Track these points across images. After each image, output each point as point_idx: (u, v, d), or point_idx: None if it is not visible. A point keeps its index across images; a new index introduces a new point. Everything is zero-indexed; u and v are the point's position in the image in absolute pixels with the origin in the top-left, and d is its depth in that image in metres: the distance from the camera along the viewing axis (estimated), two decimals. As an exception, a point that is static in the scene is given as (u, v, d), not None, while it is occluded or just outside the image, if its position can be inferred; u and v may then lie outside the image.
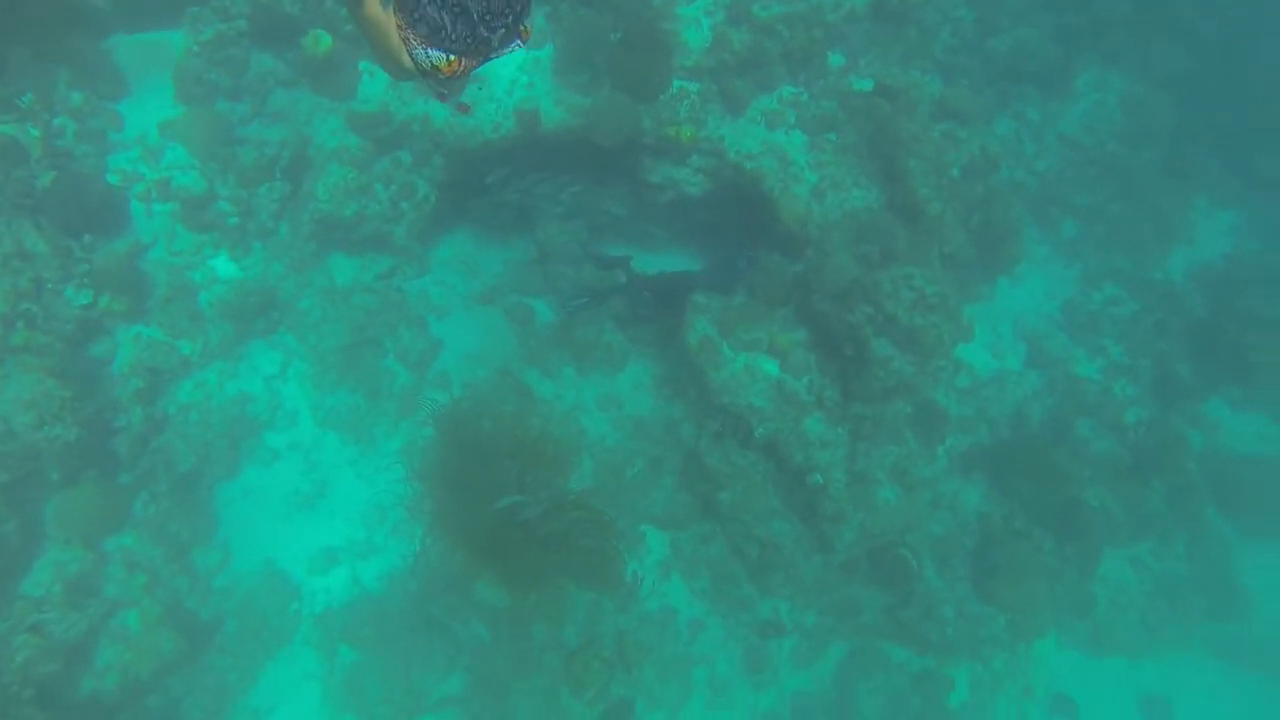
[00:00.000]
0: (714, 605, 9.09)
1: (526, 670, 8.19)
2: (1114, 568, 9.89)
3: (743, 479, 8.71)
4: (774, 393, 8.62)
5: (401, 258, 9.40)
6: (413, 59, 3.04)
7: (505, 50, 3.17)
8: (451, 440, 8.19)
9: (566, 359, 9.80)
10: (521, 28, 3.15)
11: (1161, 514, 10.19)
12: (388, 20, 2.98)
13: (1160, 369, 10.72)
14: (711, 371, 8.73)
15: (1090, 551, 9.23)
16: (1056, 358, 10.14)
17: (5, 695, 7.00)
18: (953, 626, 8.92)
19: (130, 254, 8.32)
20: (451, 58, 3.00)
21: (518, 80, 8.96)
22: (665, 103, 9.05)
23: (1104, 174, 11.07)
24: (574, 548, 7.56)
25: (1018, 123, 11.07)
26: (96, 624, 7.51)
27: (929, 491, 8.78)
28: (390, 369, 9.08)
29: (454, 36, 2.98)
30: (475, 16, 2.92)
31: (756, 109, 9.27)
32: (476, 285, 9.80)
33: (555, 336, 9.79)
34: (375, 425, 8.91)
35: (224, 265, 8.76)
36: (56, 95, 8.23)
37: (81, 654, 7.45)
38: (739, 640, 9.05)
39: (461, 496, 7.72)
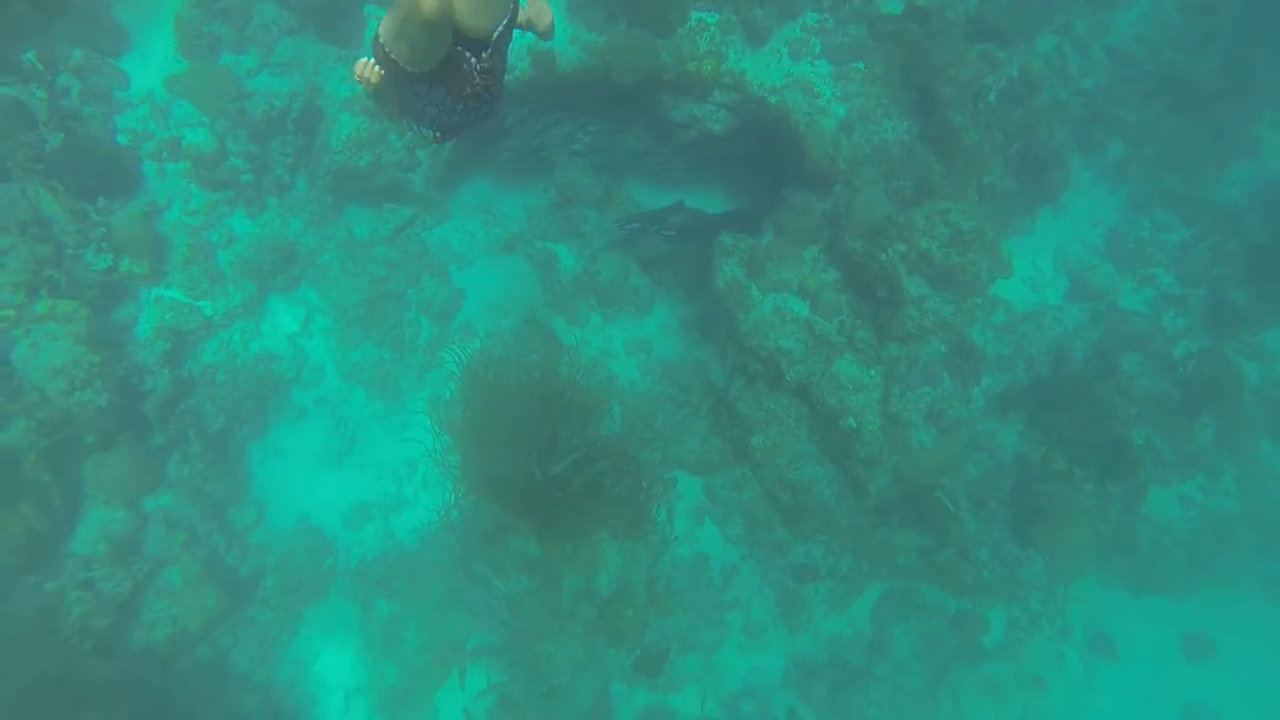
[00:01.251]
0: (748, 550, 9.07)
1: (561, 620, 8.26)
2: (1159, 505, 9.61)
3: (775, 423, 8.56)
4: (805, 334, 8.38)
5: (420, 207, 9.22)
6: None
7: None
8: (478, 392, 8.13)
9: (592, 304, 9.63)
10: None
11: (1211, 449, 9.84)
12: (388, 92, 3.59)
13: (1214, 297, 10.21)
14: (741, 314, 8.51)
15: (1135, 490, 8.96)
16: (1101, 290, 9.68)
17: (67, 649, 7.25)
18: (989, 569, 8.80)
19: (147, 216, 8.23)
20: (436, 134, 3.81)
21: (530, 20, 8.56)
22: (684, 37, 8.63)
23: (1159, 87, 10.35)
24: (606, 496, 7.51)
25: (1061, 36, 10.36)
26: (142, 581, 7.69)
27: (965, 433, 8.53)
28: (414, 321, 9.00)
29: (439, 124, 3.72)
30: (457, 111, 3.59)
31: (780, 39, 8.78)
32: (498, 232, 9.60)
33: (580, 281, 9.60)
34: (401, 379, 8.87)
35: (241, 223, 8.66)
36: (58, 52, 8.05)
37: (131, 609, 7.66)
38: (773, 585, 9.04)
39: (490, 448, 7.67)
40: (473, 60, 3.57)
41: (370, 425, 8.72)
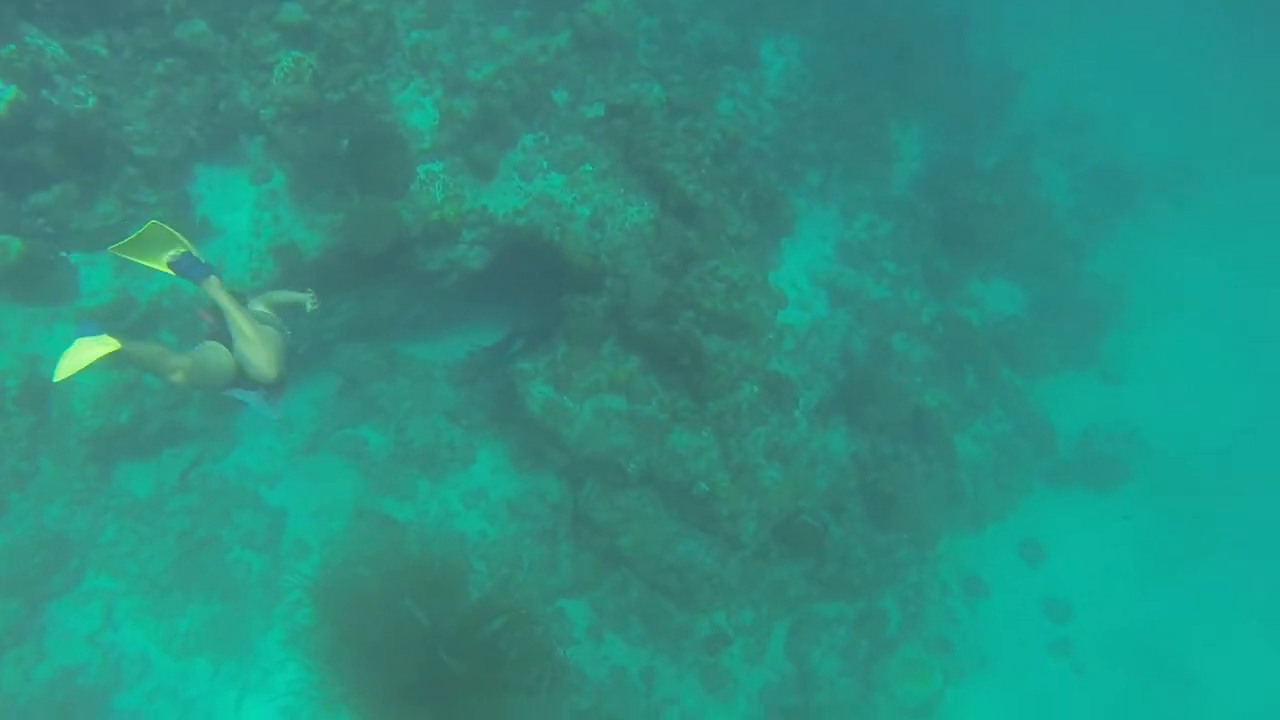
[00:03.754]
0: (656, 645, 9.01)
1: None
2: (963, 449, 10.91)
3: (635, 518, 8.69)
4: (631, 425, 8.66)
5: (203, 439, 8.43)
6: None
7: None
8: (335, 606, 7.50)
9: (415, 474, 9.27)
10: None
11: (977, 390, 11.43)
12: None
13: (926, 269, 11.98)
14: (564, 430, 8.63)
15: (945, 446, 10.12)
16: (852, 290, 11.02)
17: None
18: (868, 564, 9.44)
19: None
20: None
21: (260, 219, 8.36)
22: (419, 191, 8.81)
23: (819, 121, 12.14)
24: (506, 659, 7.16)
25: (734, 100, 11.86)
26: None
27: (803, 455, 9.19)
28: (240, 560, 8.12)
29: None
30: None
31: (508, 166, 9.24)
32: (295, 438, 9.00)
33: (395, 455, 9.23)
34: (245, 628, 7.92)
35: (-22, 536, 7.39)
36: None
37: None
38: (692, 667, 9.02)
39: (370, 658, 7.07)
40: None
41: (225, 694, 7.65)
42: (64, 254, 8.03)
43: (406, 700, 6.89)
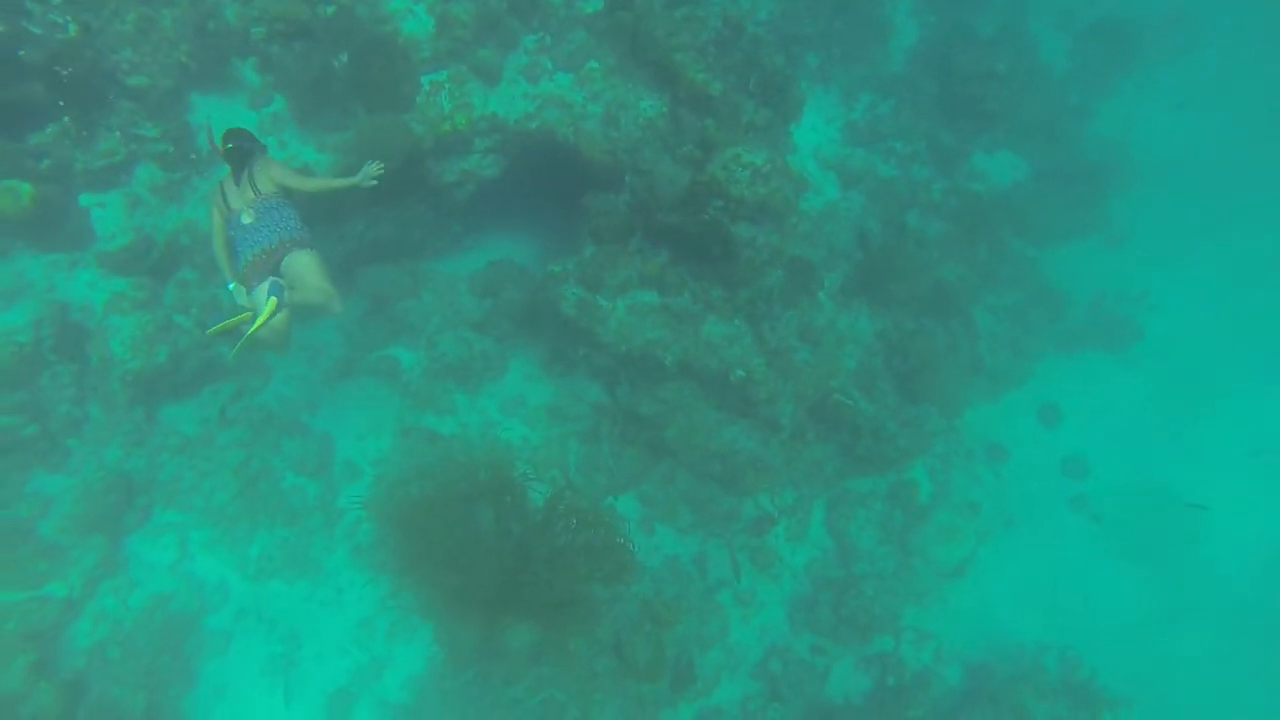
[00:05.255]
0: (705, 531, 9.32)
1: (588, 688, 8.06)
2: (981, 320, 11.12)
3: (678, 409, 8.83)
4: (665, 318, 8.72)
5: (239, 375, 8.43)
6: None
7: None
8: (396, 522, 7.69)
9: (451, 388, 9.34)
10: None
11: (989, 260, 11.55)
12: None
13: (931, 144, 11.91)
14: (599, 328, 8.67)
15: (966, 318, 10.32)
16: (862, 172, 10.96)
17: None
18: (901, 436, 9.71)
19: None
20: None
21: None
22: (425, 103, 8.60)
23: (814, 1, 11.84)
24: (578, 552, 7.41)
25: (726, -16, 11.51)
26: None
27: (831, 335, 9.35)
28: (297, 486, 8.24)
29: None
30: None
31: (513, 70, 9.03)
32: (327, 363, 9.00)
33: (430, 371, 9.28)
34: (311, 549, 8.11)
35: (46, 481, 7.45)
36: None
37: None
38: (740, 549, 9.37)
39: (441, 566, 7.30)
40: None
41: (304, 611, 7.90)
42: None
43: (484, 603, 7.18)
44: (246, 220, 5.90)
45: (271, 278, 5.72)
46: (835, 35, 11.92)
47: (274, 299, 5.54)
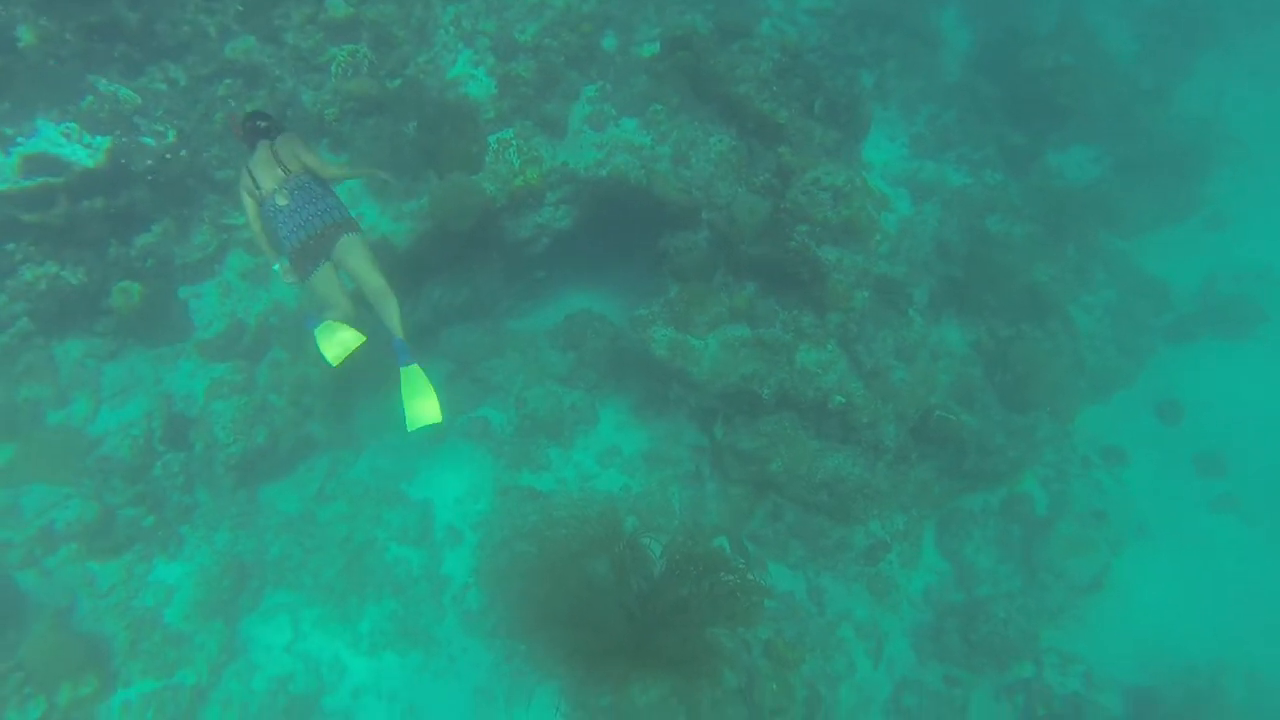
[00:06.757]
0: (819, 564, 8.95)
1: (721, 735, 7.70)
2: (1078, 320, 10.62)
3: (780, 441, 8.56)
4: (758, 350, 8.50)
5: (333, 448, 8.49)
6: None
7: None
8: (505, 582, 7.56)
9: (545, 443, 9.25)
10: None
11: (1078, 258, 11.09)
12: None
13: (1002, 147, 11.61)
14: (693, 368, 8.49)
15: (1064, 318, 9.86)
16: (933, 183, 10.72)
17: None
18: (1010, 448, 9.25)
19: (55, 628, 6.95)
20: None
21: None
22: (494, 162, 8.69)
23: (859, 21, 11.78)
24: (705, 599, 7.13)
25: (771, 18, 11.54)
26: None
27: (925, 351, 9.00)
28: (401, 557, 8.17)
29: None
30: None
31: (577, 120, 9.10)
32: (419, 431, 8.96)
33: (521, 429, 9.22)
34: (420, 618, 7.99)
35: (167, 570, 7.54)
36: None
37: None
38: (857, 579, 8.97)
39: (557, 625, 7.10)
40: None
41: (420, 683, 7.74)
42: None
43: (607, 659, 6.93)
44: (282, 202, 5.69)
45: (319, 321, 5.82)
46: (888, 52, 11.82)
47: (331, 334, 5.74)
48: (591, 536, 7.44)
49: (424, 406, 5.90)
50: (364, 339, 5.80)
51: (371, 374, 8.99)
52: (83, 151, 7.33)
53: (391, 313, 5.79)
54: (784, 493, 8.81)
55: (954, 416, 9.02)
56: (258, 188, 5.77)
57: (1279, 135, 13.08)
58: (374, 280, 5.80)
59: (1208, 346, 11.38)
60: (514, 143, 8.79)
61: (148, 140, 7.74)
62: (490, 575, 8.16)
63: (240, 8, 8.43)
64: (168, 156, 7.72)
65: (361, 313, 5.99)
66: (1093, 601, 9.22)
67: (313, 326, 5.89)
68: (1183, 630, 9.12)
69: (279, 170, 5.75)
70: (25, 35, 7.39)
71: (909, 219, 10.33)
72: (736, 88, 8.77)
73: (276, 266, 6.02)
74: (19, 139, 7.21)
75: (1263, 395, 11.04)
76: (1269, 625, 9.19)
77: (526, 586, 7.32)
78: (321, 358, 5.72)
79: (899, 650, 8.90)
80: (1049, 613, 9.06)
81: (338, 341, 5.74)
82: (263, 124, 5.94)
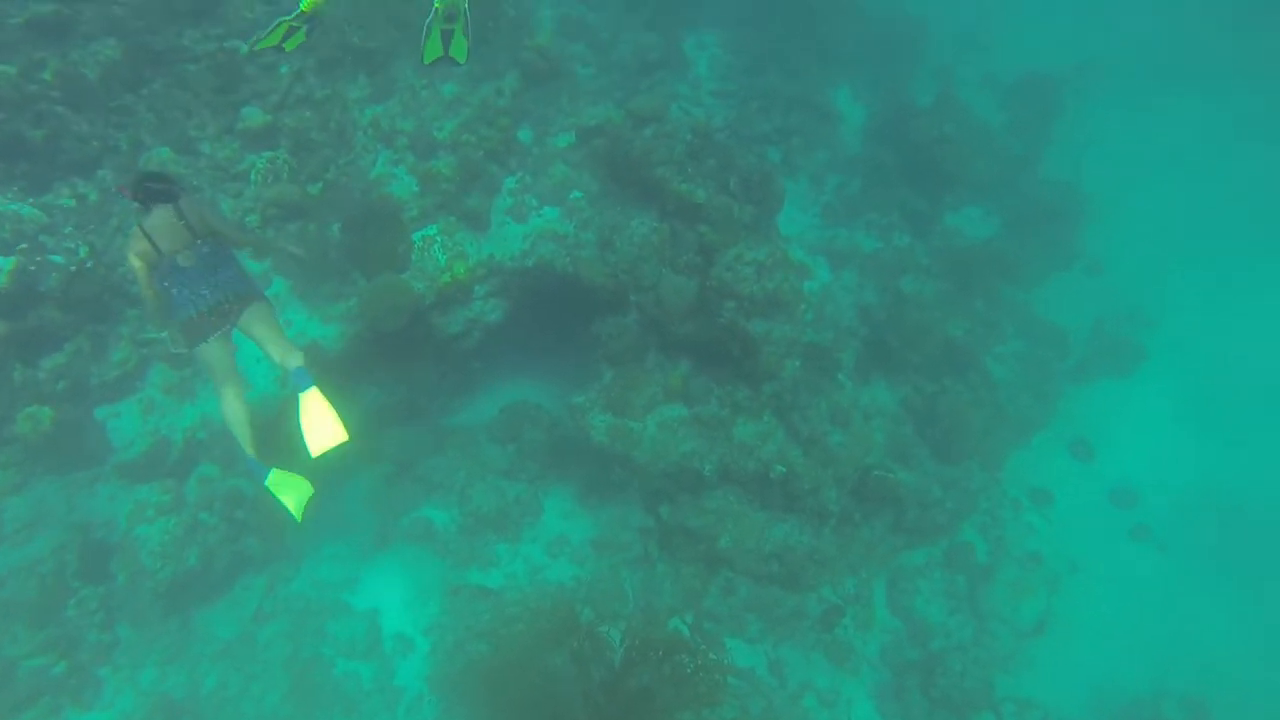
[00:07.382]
0: (776, 635, 8.94)
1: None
2: (993, 369, 11.16)
3: (727, 516, 8.63)
4: (697, 428, 8.62)
5: (271, 564, 8.11)
6: None
7: None
8: (462, 686, 7.32)
9: (492, 539, 9.06)
10: None
11: (986, 311, 11.71)
12: None
13: (905, 211, 12.26)
14: (635, 451, 8.52)
15: (979, 368, 10.36)
16: (848, 250, 11.22)
17: None
18: (948, 499, 9.55)
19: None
20: None
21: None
22: (420, 259, 8.70)
23: (763, 102, 12.40)
24: (665, 681, 7.02)
25: (678, 101, 12.02)
26: None
27: (858, 413, 9.28)
28: (350, 672, 7.78)
29: None
30: None
31: (500, 212, 9.20)
32: (359, 536, 8.71)
33: (465, 527, 9.02)
34: (375, 738, 7.60)
35: (84, 721, 6.96)
36: None
37: None
38: (815, 648, 8.98)
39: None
40: None
41: (379, 809, 7.33)
42: None
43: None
44: (184, 263, 5.40)
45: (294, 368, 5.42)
46: (791, 129, 12.42)
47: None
48: (547, 630, 7.30)
49: (327, 428, 5.24)
50: (312, 491, 5.52)
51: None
52: (-17, 275, 7.01)
53: (296, 358, 5.47)
54: (735, 567, 8.83)
55: (891, 475, 9.27)
56: (156, 250, 5.39)
57: (1126, 191, 14.42)
58: (281, 343, 5.55)
59: (1105, 385, 12.12)
60: (438, 239, 8.82)
61: (56, 258, 7.46)
62: (445, 681, 7.85)
63: (153, 119, 8.31)
64: (76, 271, 7.44)
65: (245, 389, 5.73)
66: (1039, 645, 9.47)
67: (263, 478, 5.49)
68: (1120, 663, 9.47)
69: (186, 233, 5.44)
70: (-81, 161, 7.10)
71: (829, 285, 10.76)
72: (654, 170, 9.07)
73: (164, 334, 5.66)
74: (-87, 267, 6.86)
75: (1156, 425, 11.81)
76: (1193, 648, 9.69)
77: (484, 687, 7.11)
78: (285, 511, 5.40)
79: (864, 714, 8.90)
80: (1000, 661, 9.27)
81: (293, 487, 5.46)
82: (158, 186, 5.51)
